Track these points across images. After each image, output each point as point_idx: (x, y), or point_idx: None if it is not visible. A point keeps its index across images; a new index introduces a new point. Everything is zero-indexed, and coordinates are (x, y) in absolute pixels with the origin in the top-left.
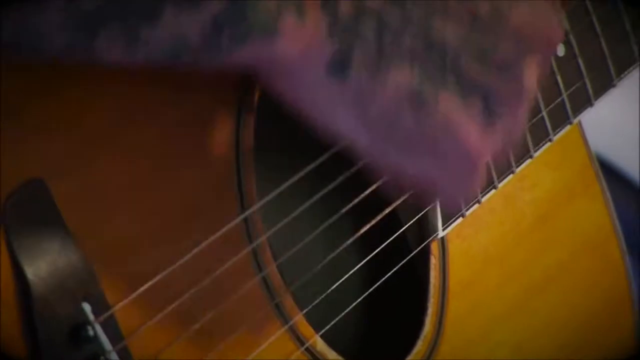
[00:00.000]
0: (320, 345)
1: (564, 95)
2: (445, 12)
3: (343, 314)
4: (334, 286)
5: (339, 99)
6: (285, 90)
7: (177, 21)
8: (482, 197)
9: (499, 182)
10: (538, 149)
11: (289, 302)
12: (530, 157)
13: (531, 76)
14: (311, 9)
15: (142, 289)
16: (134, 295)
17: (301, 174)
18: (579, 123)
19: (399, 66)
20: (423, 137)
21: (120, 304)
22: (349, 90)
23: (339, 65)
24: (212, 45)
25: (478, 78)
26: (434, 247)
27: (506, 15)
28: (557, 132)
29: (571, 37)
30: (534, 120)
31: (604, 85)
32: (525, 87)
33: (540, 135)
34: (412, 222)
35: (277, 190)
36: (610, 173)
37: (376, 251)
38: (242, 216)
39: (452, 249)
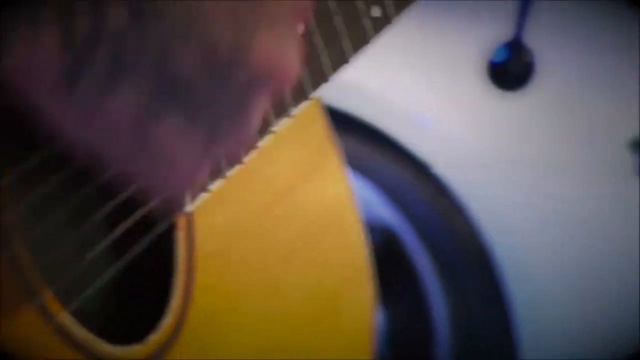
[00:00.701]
0: (68, 320)
1: (303, 72)
2: (185, 39)
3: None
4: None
5: (67, 108)
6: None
7: None
8: (228, 172)
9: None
10: (277, 123)
11: (35, 277)
12: (272, 132)
13: (256, 110)
14: (47, 20)
15: None
16: None
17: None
18: (319, 98)
19: (129, 85)
20: (142, 156)
21: None
22: (76, 102)
23: (68, 79)
24: None
25: (206, 108)
26: (181, 222)
27: (246, 47)
28: (296, 108)
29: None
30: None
31: (338, 62)
32: (249, 121)
33: (279, 110)
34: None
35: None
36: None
37: (121, 229)
38: None
39: (199, 222)
